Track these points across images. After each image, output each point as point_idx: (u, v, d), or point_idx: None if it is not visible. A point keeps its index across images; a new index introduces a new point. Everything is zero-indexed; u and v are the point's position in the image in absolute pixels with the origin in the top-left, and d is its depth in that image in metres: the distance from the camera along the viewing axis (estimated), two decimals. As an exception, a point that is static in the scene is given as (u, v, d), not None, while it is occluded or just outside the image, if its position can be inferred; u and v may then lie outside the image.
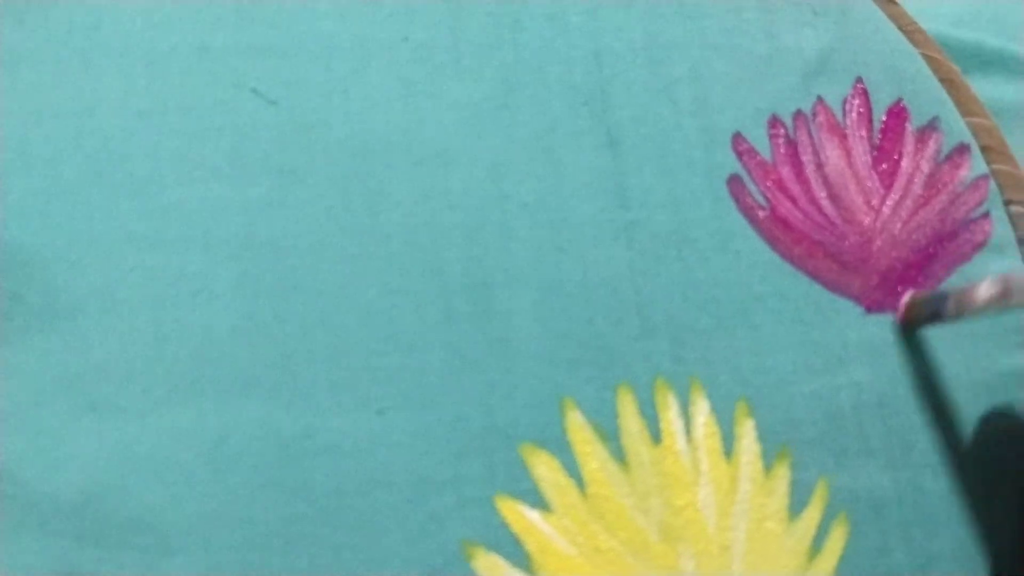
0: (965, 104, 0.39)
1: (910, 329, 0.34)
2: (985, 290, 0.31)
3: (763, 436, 0.33)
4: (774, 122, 0.36)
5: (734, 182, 0.35)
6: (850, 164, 0.36)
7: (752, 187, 0.35)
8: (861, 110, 0.37)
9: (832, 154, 0.36)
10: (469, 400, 0.32)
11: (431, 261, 0.33)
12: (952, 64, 0.39)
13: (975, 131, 0.38)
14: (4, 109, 0.33)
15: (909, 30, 0.39)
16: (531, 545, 0.31)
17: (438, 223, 0.33)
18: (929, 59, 0.39)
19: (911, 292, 0.34)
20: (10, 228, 0.32)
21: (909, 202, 0.36)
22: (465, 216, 0.33)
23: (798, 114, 0.36)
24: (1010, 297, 0.30)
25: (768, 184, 0.35)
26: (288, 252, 0.32)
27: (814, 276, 0.34)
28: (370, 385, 0.32)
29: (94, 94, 0.33)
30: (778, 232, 0.35)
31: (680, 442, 0.32)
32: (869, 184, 0.36)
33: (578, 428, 0.32)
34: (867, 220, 0.35)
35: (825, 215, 0.35)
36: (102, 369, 0.31)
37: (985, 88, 0.41)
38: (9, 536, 0.29)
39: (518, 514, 0.31)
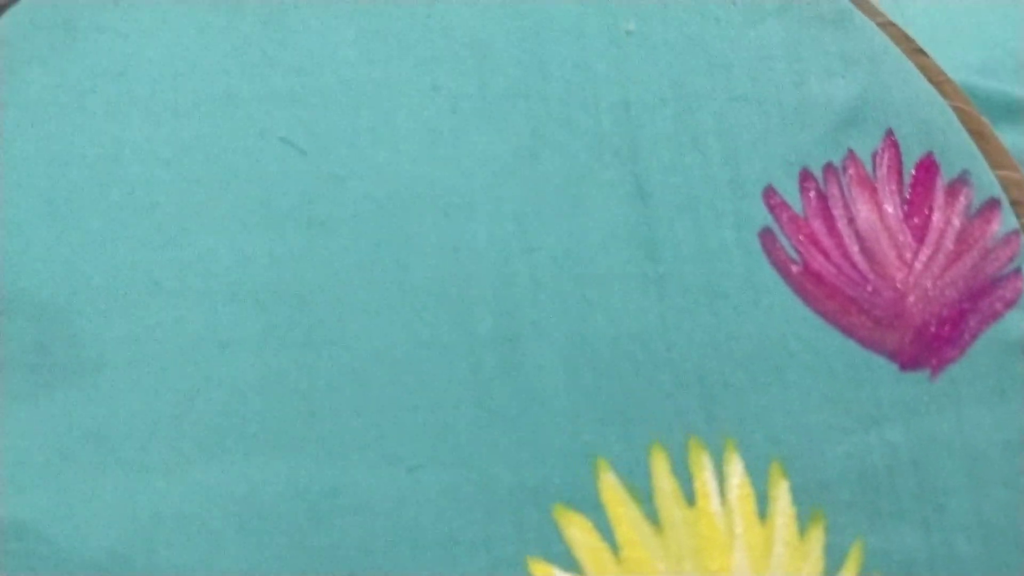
0: (995, 157, 0.38)
1: None
2: None
3: (797, 498, 0.32)
4: (805, 175, 0.35)
5: (766, 236, 0.35)
6: (882, 218, 0.36)
7: (784, 241, 0.35)
8: (891, 163, 0.36)
9: (863, 208, 0.36)
10: (499, 458, 0.31)
11: (459, 314, 0.32)
12: (982, 116, 0.39)
13: (1005, 185, 0.38)
14: (28, 156, 0.32)
15: (938, 81, 0.39)
16: (565, 609, 0.30)
17: (466, 275, 0.33)
18: (959, 111, 0.39)
19: None
20: (34, 278, 0.31)
21: (941, 257, 0.36)
22: (493, 268, 0.33)
23: (828, 167, 0.36)
24: None
25: (800, 238, 0.35)
26: (316, 305, 0.32)
27: (848, 332, 0.34)
28: (399, 442, 0.31)
29: (119, 142, 0.33)
30: (811, 287, 0.34)
31: (714, 504, 0.32)
32: (901, 238, 0.35)
33: (611, 489, 0.31)
34: (900, 275, 0.35)
35: (858, 270, 0.35)
36: (128, 424, 0.30)
37: (1012, 138, 0.41)
38: (35, 598, 0.29)
39: (551, 577, 0.30)
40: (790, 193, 0.35)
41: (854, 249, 0.35)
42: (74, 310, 0.31)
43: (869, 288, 0.34)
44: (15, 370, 0.30)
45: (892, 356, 0.34)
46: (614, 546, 0.31)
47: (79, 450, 0.30)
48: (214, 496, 0.30)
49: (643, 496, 0.31)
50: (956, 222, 0.36)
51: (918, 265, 0.35)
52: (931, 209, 0.36)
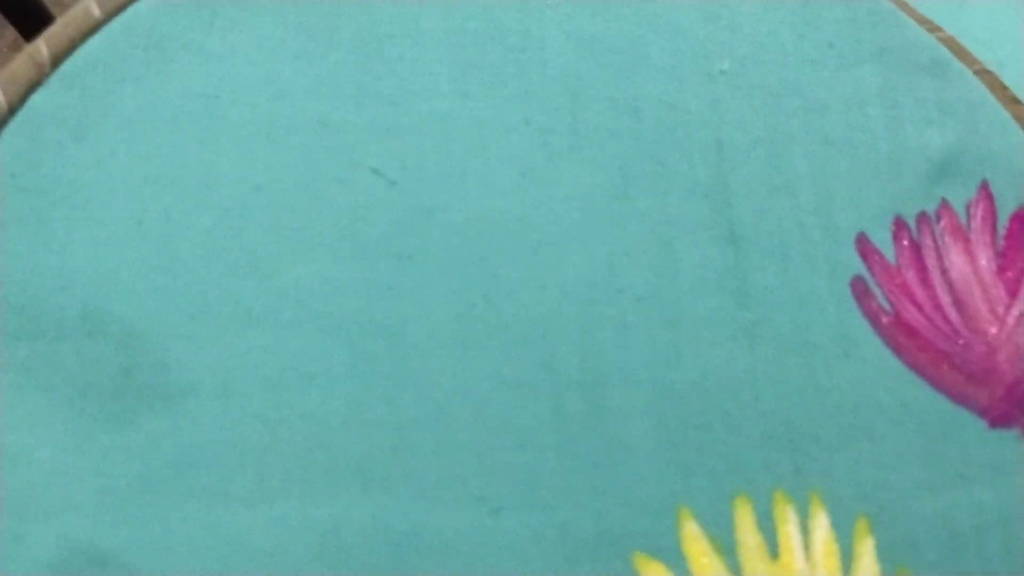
0: (1090, 211, 0.38)
1: None
2: None
3: (882, 555, 0.32)
4: (899, 224, 0.35)
5: (858, 285, 0.34)
6: (975, 271, 0.35)
7: (876, 290, 0.34)
8: (986, 215, 0.36)
9: (956, 259, 0.35)
10: (581, 503, 0.31)
11: (545, 354, 0.32)
12: (1077, 169, 0.38)
13: (1100, 240, 0.37)
14: (120, 176, 0.32)
15: (1033, 131, 0.39)
16: (645, 661, 0.30)
17: (553, 314, 0.33)
18: (1054, 163, 0.38)
19: None
20: (122, 301, 0.31)
21: (1034, 313, 0.35)
22: (579, 309, 0.33)
23: (922, 216, 0.35)
24: None
25: (892, 288, 0.34)
26: (403, 338, 0.32)
27: (938, 387, 0.33)
28: (482, 482, 0.31)
29: (211, 165, 0.33)
30: (902, 339, 0.34)
31: (799, 559, 0.31)
32: (994, 292, 0.35)
33: (694, 539, 0.31)
34: (992, 330, 0.34)
35: (950, 323, 0.34)
36: (213, 454, 0.30)
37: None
38: (117, 627, 0.29)
39: (632, 628, 0.30)
40: (883, 241, 0.35)
41: (946, 301, 0.34)
42: (161, 335, 0.31)
43: (961, 342, 0.34)
44: (100, 394, 0.30)
45: (982, 413, 0.33)
46: (696, 598, 0.30)
47: (162, 478, 0.30)
48: (296, 529, 0.30)
49: (726, 548, 0.31)
50: (1050, 277, 0.35)
51: (1010, 320, 0.34)
52: (1025, 263, 0.35)
